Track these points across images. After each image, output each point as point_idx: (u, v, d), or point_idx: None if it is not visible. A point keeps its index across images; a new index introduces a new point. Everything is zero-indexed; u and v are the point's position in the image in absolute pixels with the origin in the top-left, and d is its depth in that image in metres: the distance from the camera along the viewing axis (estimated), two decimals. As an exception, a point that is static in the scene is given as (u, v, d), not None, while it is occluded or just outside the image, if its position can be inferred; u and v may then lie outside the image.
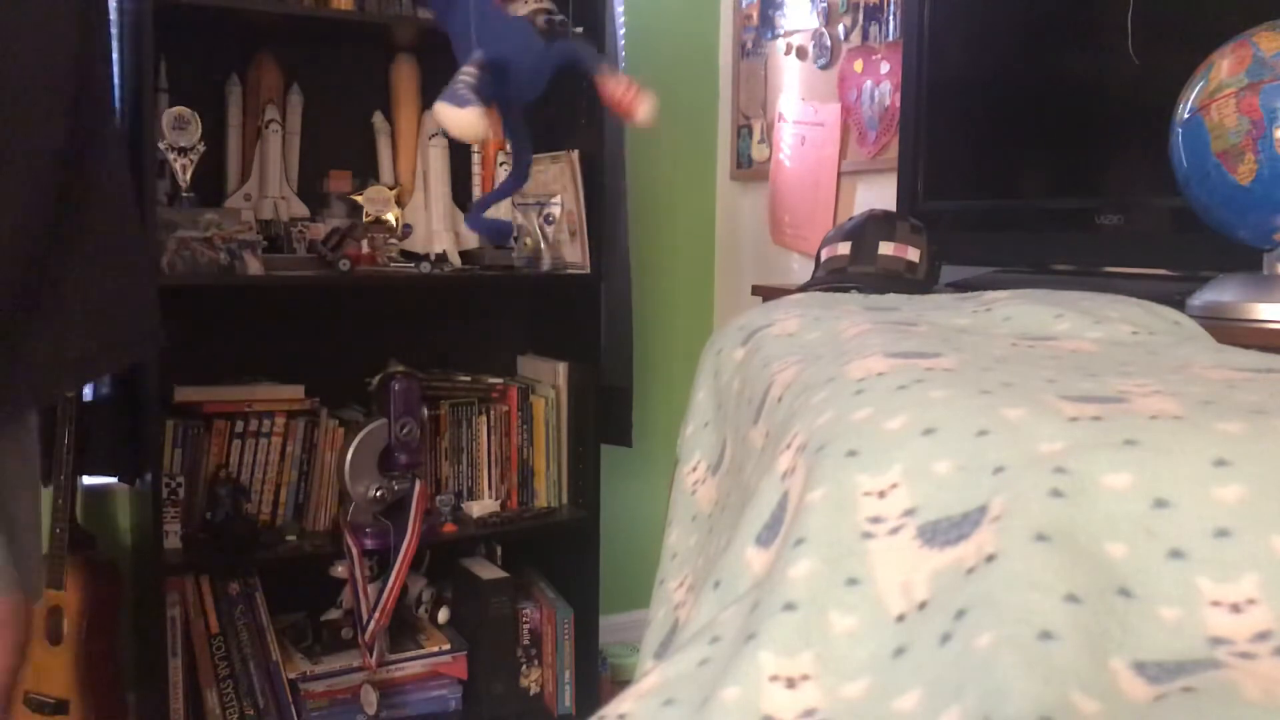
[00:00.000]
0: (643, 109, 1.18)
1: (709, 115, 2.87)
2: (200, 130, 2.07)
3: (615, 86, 1.21)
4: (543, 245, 2.34)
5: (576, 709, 2.45)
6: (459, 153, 2.40)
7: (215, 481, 2.13)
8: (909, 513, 0.62)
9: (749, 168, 2.74)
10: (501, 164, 2.37)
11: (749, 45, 2.71)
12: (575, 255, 2.34)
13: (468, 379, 2.44)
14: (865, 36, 2.28)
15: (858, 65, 2.30)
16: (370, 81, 2.38)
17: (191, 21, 2.12)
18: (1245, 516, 0.54)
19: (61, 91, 1.04)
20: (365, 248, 2.17)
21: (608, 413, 2.49)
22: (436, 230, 2.32)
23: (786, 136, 2.53)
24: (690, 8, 2.82)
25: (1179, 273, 1.43)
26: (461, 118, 1.14)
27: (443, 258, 2.26)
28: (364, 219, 2.27)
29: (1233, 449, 0.57)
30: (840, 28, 2.35)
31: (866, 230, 1.57)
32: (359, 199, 2.29)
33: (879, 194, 2.24)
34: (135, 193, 1.23)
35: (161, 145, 2.04)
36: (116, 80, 2.12)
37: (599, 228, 2.33)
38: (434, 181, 2.35)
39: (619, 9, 2.58)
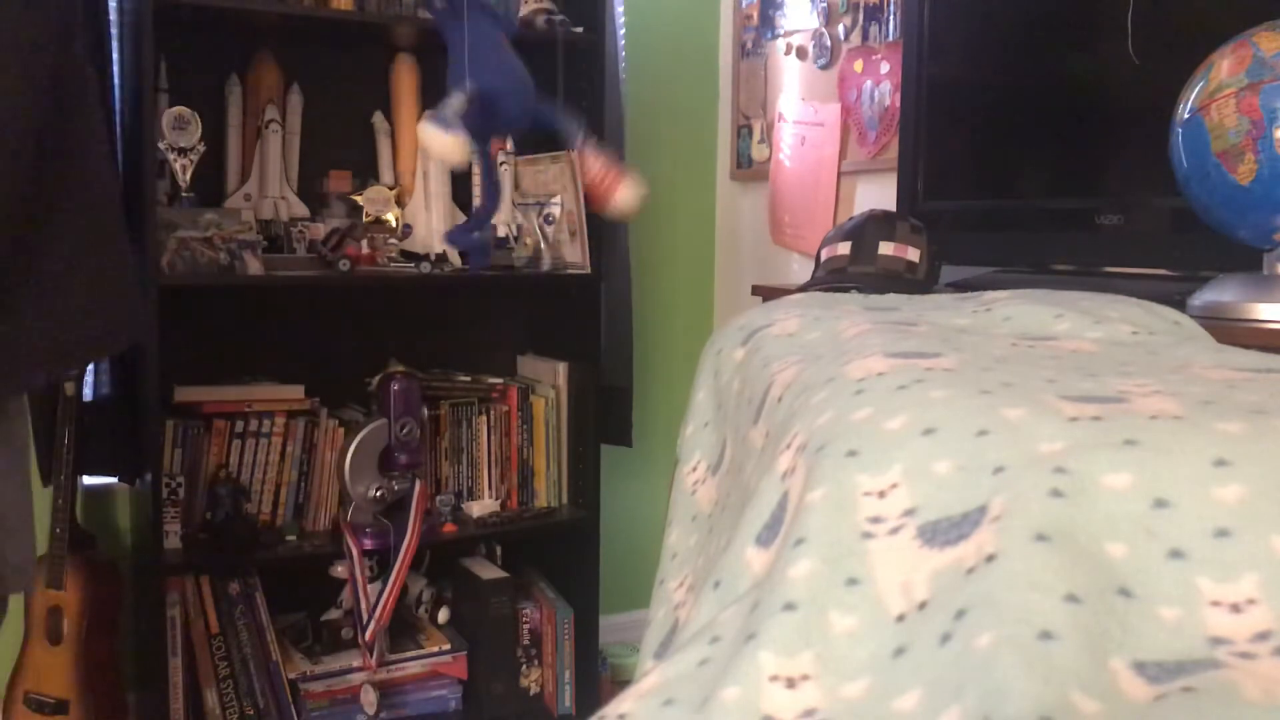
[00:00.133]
0: (620, 195, 1.17)
1: (709, 115, 2.87)
2: (200, 130, 2.07)
3: (595, 167, 1.20)
4: (543, 245, 2.34)
5: (576, 709, 2.45)
6: (459, 153, 2.40)
7: (215, 481, 2.13)
8: (909, 513, 0.62)
9: (749, 168, 2.74)
10: (501, 164, 2.37)
11: (749, 45, 2.71)
12: (575, 255, 2.34)
13: (468, 379, 2.44)
14: (865, 36, 2.28)
15: (858, 65, 2.30)
16: (370, 81, 2.38)
17: (191, 21, 2.12)
18: (1245, 516, 0.54)
19: (34, 74, 1.03)
20: (365, 248, 2.17)
21: (608, 413, 2.49)
22: (436, 230, 2.32)
23: (786, 136, 2.53)
24: (690, 8, 2.82)
25: (1179, 273, 1.43)
26: (445, 141, 1.15)
27: (443, 258, 2.26)
28: (364, 219, 2.27)
29: (1233, 449, 0.57)
30: (840, 28, 2.35)
31: (866, 230, 1.57)
32: (359, 199, 2.29)
33: (879, 194, 2.24)
34: (121, 186, 1.22)
35: (161, 145, 2.04)
36: (116, 80, 2.13)
37: (599, 228, 2.33)
38: (434, 182, 2.35)
39: (619, 9, 2.58)
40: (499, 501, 2.41)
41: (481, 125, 1.32)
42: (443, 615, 2.34)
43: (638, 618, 2.74)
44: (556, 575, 2.53)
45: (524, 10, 2.25)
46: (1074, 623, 0.51)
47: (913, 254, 1.55)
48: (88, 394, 2.15)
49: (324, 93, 2.34)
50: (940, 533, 0.60)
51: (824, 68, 2.41)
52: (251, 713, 2.14)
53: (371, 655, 2.15)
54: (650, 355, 2.85)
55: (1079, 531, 0.56)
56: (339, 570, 2.15)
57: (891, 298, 1.16)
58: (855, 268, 1.54)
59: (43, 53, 1.04)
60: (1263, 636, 0.51)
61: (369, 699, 2.20)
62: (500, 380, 2.46)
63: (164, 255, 1.97)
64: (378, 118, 2.38)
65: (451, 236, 1.94)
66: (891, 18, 2.19)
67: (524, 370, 2.60)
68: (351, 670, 2.21)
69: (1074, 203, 1.56)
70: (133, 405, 2.13)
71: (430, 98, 2.25)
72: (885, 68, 2.22)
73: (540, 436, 2.45)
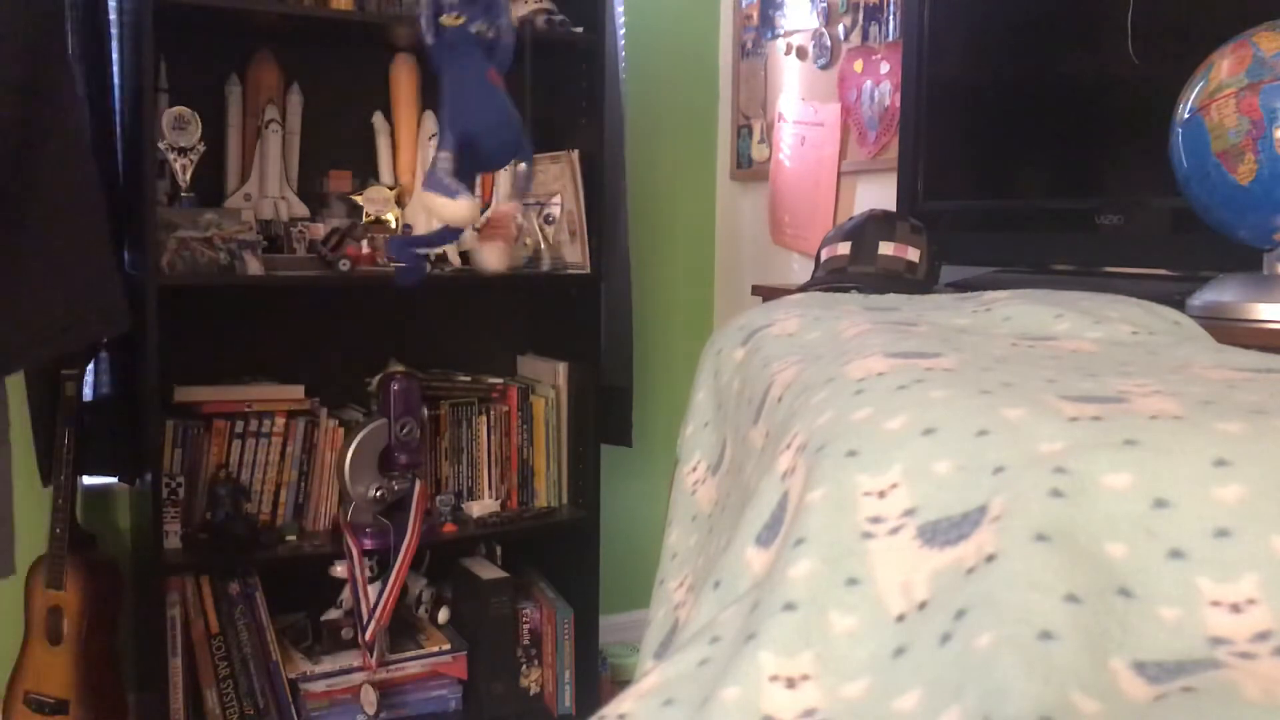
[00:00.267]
0: (490, 249, 1.21)
1: (709, 115, 2.87)
2: (200, 130, 2.07)
3: (502, 212, 1.29)
4: (543, 245, 2.34)
5: (576, 709, 2.45)
6: (459, 153, 2.40)
7: (215, 481, 2.13)
8: (909, 513, 0.62)
9: (749, 168, 2.74)
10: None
11: (749, 45, 2.71)
12: (575, 255, 2.34)
13: (468, 379, 2.44)
14: (865, 36, 2.28)
15: (858, 65, 2.30)
16: (370, 81, 2.38)
17: (191, 21, 2.12)
18: (1245, 516, 0.54)
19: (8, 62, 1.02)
20: (365, 248, 2.17)
21: (608, 413, 2.49)
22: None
23: (786, 136, 2.53)
24: (690, 8, 2.82)
25: (1179, 273, 1.43)
26: (456, 209, 1.17)
27: (443, 258, 2.26)
28: (364, 219, 2.27)
29: (1233, 449, 0.57)
30: (840, 28, 2.35)
31: (866, 230, 1.57)
32: (359, 199, 2.29)
33: (879, 194, 2.24)
34: (106, 181, 1.21)
35: (161, 145, 2.04)
36: (116, 80, 2.13)
37: (599, 228, 2.33)
38: (434, 181, 2.35)
39: (619, 9, 2.58)
40: (499, 501, 2.41)
41: (469, 166, 1.33)
42: (443, 615, 2.34)
43: (638, 618, 2.74)
44: (556, 575, 2.53)
45: (524, 10, 2.25)
46: (1074, 623, 0.51)
47: (913, 254, 1.55)
48: (88, 394, 2.15)
49: (324, 92, 2.34)
50: (940, 533, 0.60)
51: (824, 68, 2.41)
52: (251, 713, 2.14)
53: (371, 655, 2.15)
54: (650, 355, 2.85)
55: (1079, 531, 0.56)
56: (339, 570, 2.15)
57: (891, 298, 1.16)
58: (855, 268, 1.54)
59: (8, 43, 1.03)
60: (1263, 636, 0.51)
61: (369, 699, 2.20)
62: (500, 380, 2.46)
63: (164, 255, 1.97)
64: (377, 118, 2.38)
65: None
66: (891, 18, 2.19)
67: (524, 370, 2.60)
68: (351, 670, 2.21)
69: (1074, 203, 1.56)
70: (133, 405, 2.13)
71: (431, 98, 2.24)
72: (885, 68, 2.22)
73: (540, 436, 2.45)
